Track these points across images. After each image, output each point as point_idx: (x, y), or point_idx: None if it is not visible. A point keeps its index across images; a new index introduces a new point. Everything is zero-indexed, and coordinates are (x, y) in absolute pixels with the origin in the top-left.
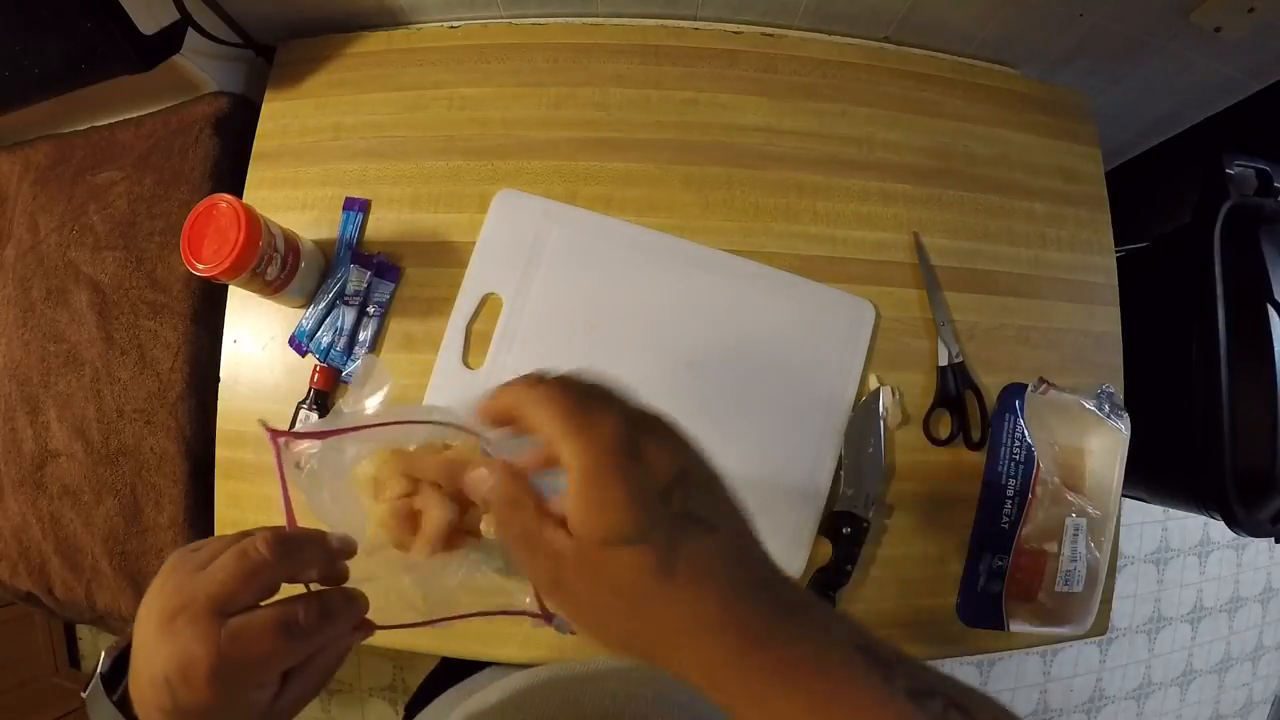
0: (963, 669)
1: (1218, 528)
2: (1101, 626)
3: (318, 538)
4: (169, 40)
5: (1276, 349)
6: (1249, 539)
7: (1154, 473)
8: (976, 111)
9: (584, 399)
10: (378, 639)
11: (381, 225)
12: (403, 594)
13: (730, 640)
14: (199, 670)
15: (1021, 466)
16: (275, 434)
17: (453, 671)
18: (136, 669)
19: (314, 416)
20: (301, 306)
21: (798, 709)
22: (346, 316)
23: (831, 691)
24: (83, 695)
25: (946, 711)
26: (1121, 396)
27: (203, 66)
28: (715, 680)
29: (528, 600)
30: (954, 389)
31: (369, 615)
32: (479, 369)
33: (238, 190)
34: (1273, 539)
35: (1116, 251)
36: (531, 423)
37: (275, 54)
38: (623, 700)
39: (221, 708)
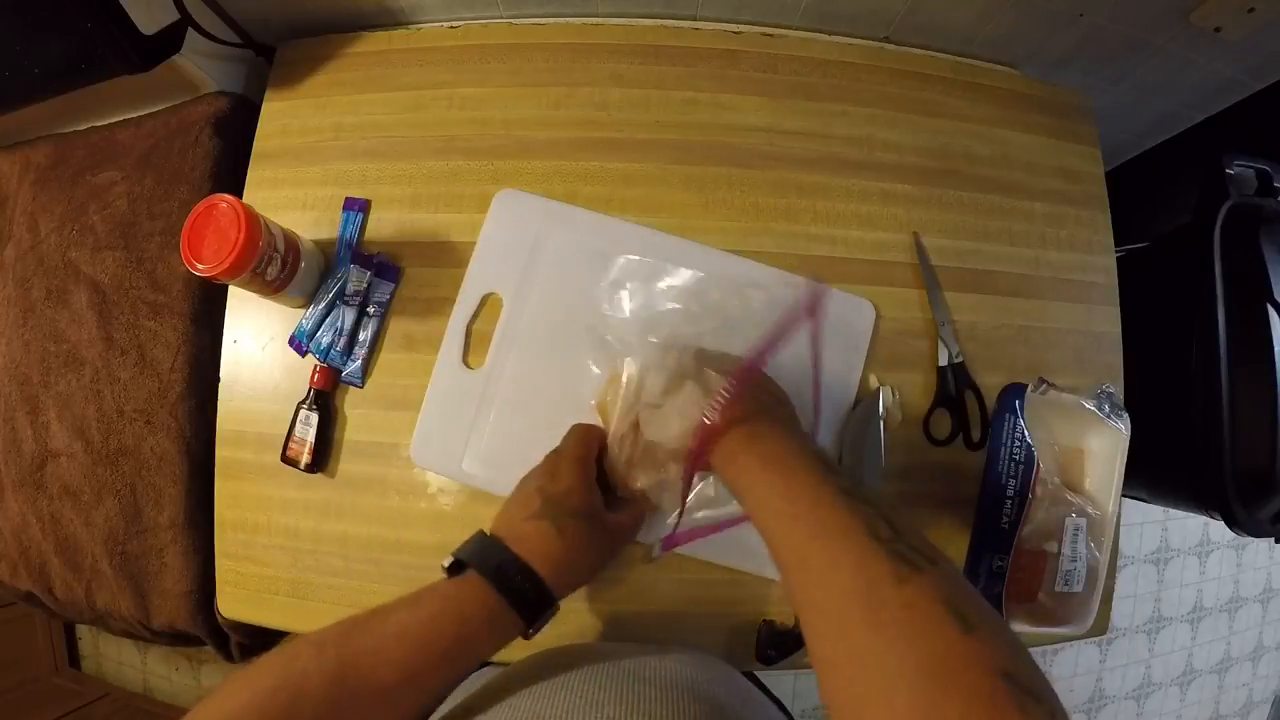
0: None
1: (1218, 528)
2: (1101, 626)
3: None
4: (169, 40)
5: (1276, 349)
6: (1249, 539)
7: (1154, 473)
8: (976, 111)
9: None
10: None
11: (381, 225)
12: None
13: (719, 427)
14: (565, 461)
15: (1021, 466)
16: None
17: None
18: (510, 509)
19: (314, 416)
20: (301, 306)
21: (750, 476)
22: (346, 316)
23: (777, 468)
24: (444, 565)
25: (876, 521)
26: (1121, 396)
27: (203, 66)
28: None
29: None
30: (954, 389)
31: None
32: (479, 368)
33: (238, 190)
34: (1273, 539)
35: (1116, 251)
36: None
37: (275, 54)
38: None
39: (580, 489)
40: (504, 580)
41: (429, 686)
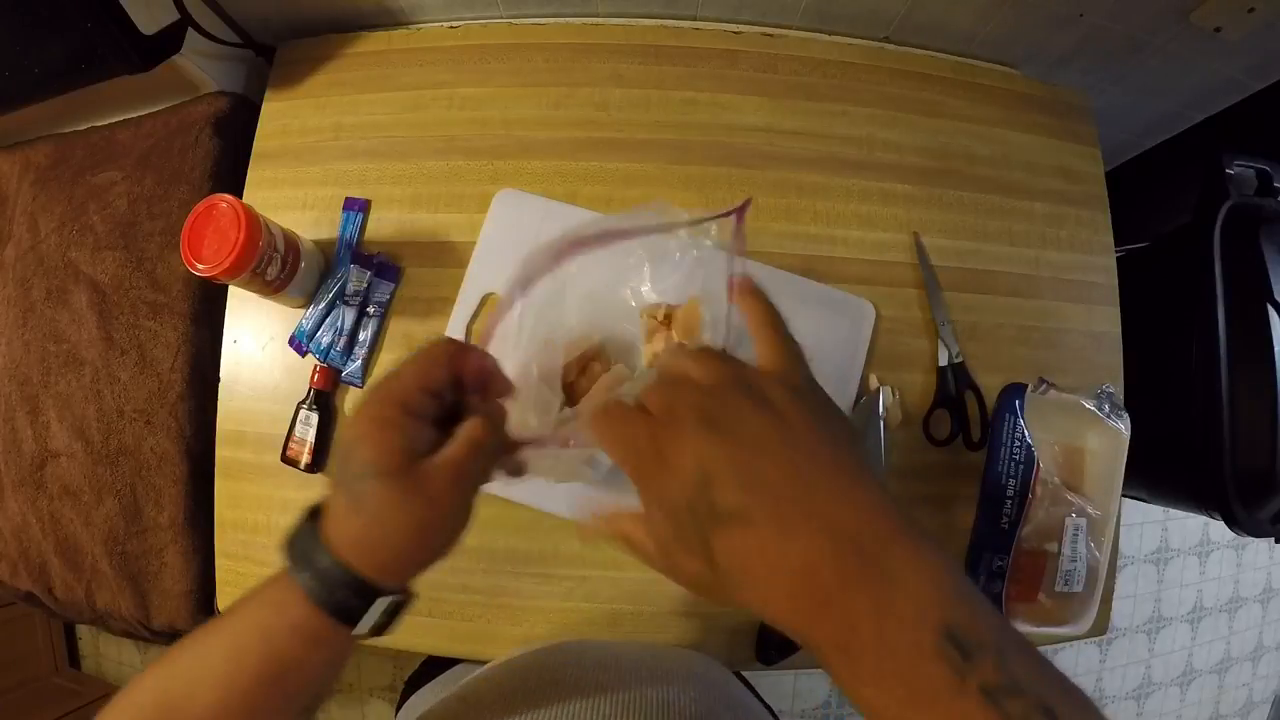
0: None
1: (1218, 528)
2: (1101, 626)
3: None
4: (169, 40)
5: (1276, 349)
6: (1249, 539)
7: (1154, 473)
8: (976, 111)
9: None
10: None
11: (381, 225)
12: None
13: (785, 608)
14: (366, 396)
15: (1021, 466)
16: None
17: (438, 667)
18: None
19: (314, 416)
20: (301, 306)
21: (857, 681)
22: (346, 316)
23: (893, 672)
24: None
25: (1029, 715)
26: (1121, 396)
27: (203, 66)
28: (789, 630)
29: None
30: (954, 389)
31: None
32: None
33: (238, 190)
34: (1273, 539)
35: (1116, 251)
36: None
37: (275, 54)
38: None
39: (372, 434)
40: (315, 579)
41: (257, 707)
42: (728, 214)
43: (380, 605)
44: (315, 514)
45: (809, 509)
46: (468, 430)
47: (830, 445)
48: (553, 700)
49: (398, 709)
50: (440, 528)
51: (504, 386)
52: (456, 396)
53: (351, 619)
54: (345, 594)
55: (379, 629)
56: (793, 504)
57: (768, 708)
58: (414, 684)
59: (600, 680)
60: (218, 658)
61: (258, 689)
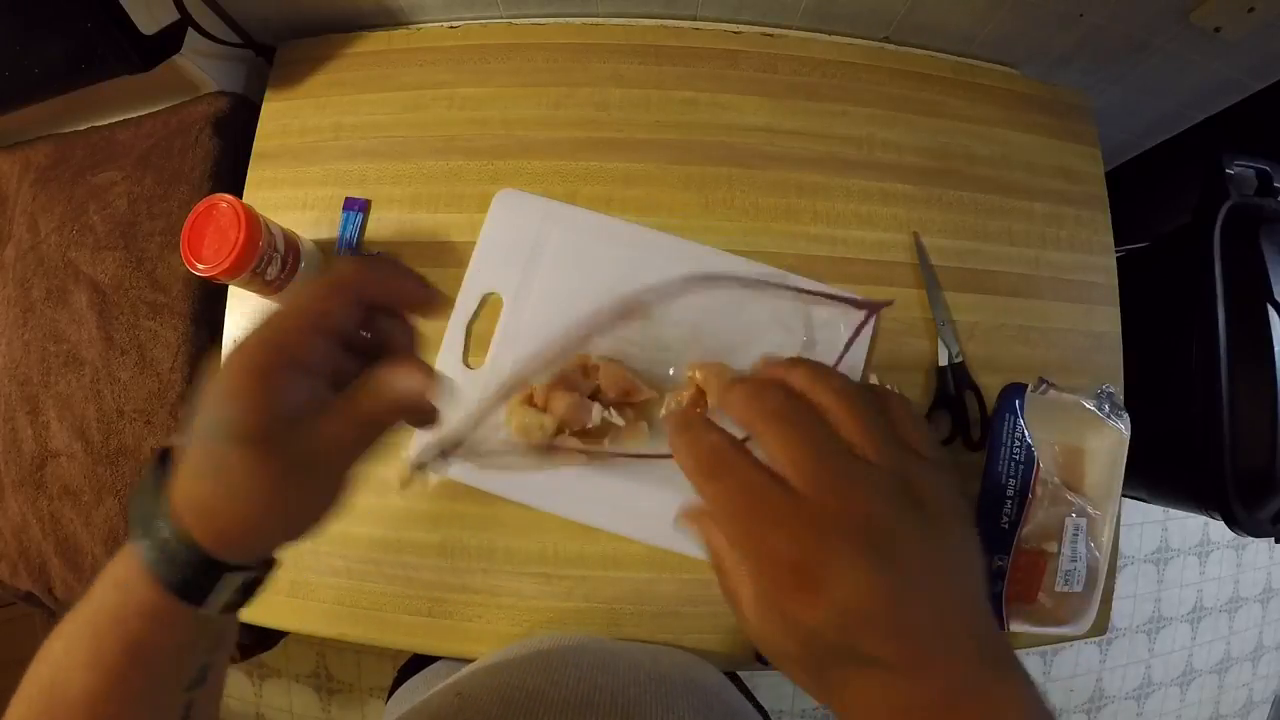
0: None
1: (1218, 528)
2: (1101, 626)
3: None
4: (169, 40)
5: (1276, 349)
6: (1249, 539)
7: (1154, 473)
8: (976, 111)
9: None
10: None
11: (381, 225)
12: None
13: None
14: (241, 345)
15: (1021, 466)
16: None
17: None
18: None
19: None
20: None
21: None
22: None
23: None
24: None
25: None
26: (1121, 396)
27: (203, 66)
28: None
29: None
30: (954, 389)
31: None
32: (479, 369)
33: (238, 190)
34: (1273, 539)
35: (1116, 251)
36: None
37: (275, 54)
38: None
39: (246, 391)
40: (155, 551)
41: (129, 691)
42: (861, 306)
43: (231, 583)
44: (165, 461)
45: (943, 657)
46: (366, 398)
47: (971, 570)
48: (550, 708)
49: (389, 697)
50: (306, 508)
51: (429, 302)
52: (372, 328)
53: (197, 599)
54: (188, 570)
55: (233, 605)
56: (930, 651)
57: (762, 711)
58: (406, 673)
59: (600, 684)
60: (83, 644)
61: (124, 672)
